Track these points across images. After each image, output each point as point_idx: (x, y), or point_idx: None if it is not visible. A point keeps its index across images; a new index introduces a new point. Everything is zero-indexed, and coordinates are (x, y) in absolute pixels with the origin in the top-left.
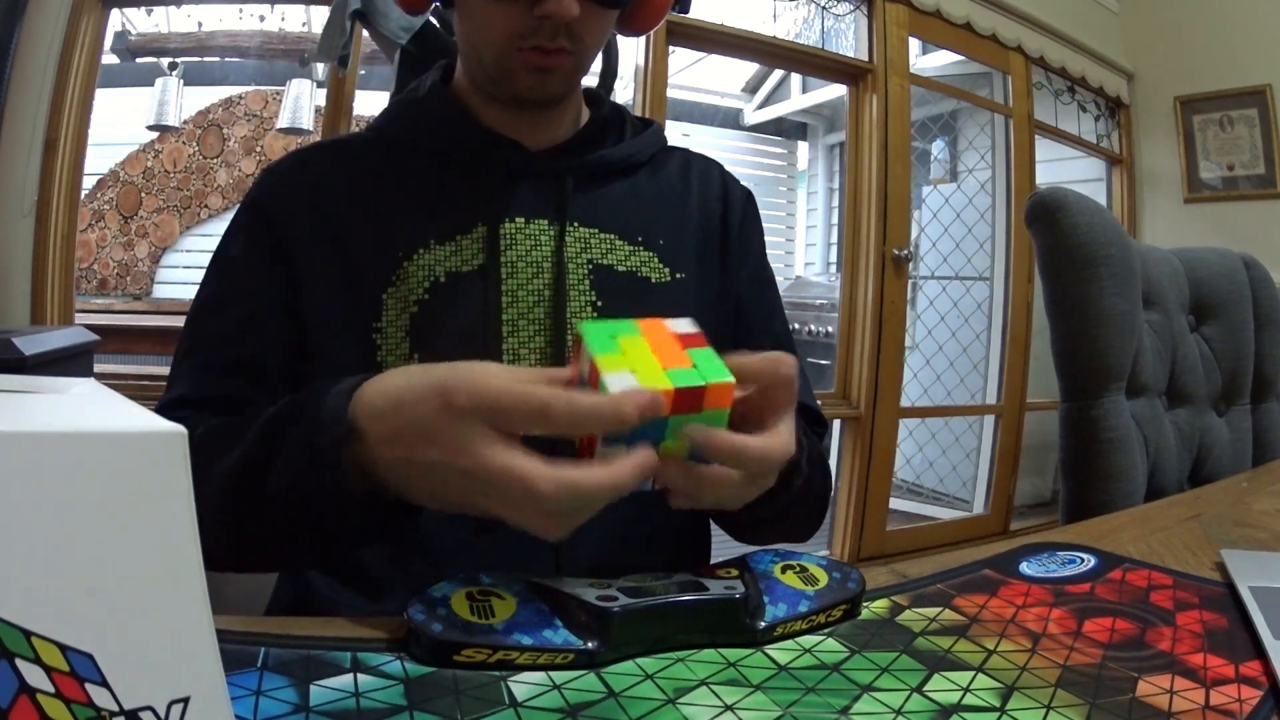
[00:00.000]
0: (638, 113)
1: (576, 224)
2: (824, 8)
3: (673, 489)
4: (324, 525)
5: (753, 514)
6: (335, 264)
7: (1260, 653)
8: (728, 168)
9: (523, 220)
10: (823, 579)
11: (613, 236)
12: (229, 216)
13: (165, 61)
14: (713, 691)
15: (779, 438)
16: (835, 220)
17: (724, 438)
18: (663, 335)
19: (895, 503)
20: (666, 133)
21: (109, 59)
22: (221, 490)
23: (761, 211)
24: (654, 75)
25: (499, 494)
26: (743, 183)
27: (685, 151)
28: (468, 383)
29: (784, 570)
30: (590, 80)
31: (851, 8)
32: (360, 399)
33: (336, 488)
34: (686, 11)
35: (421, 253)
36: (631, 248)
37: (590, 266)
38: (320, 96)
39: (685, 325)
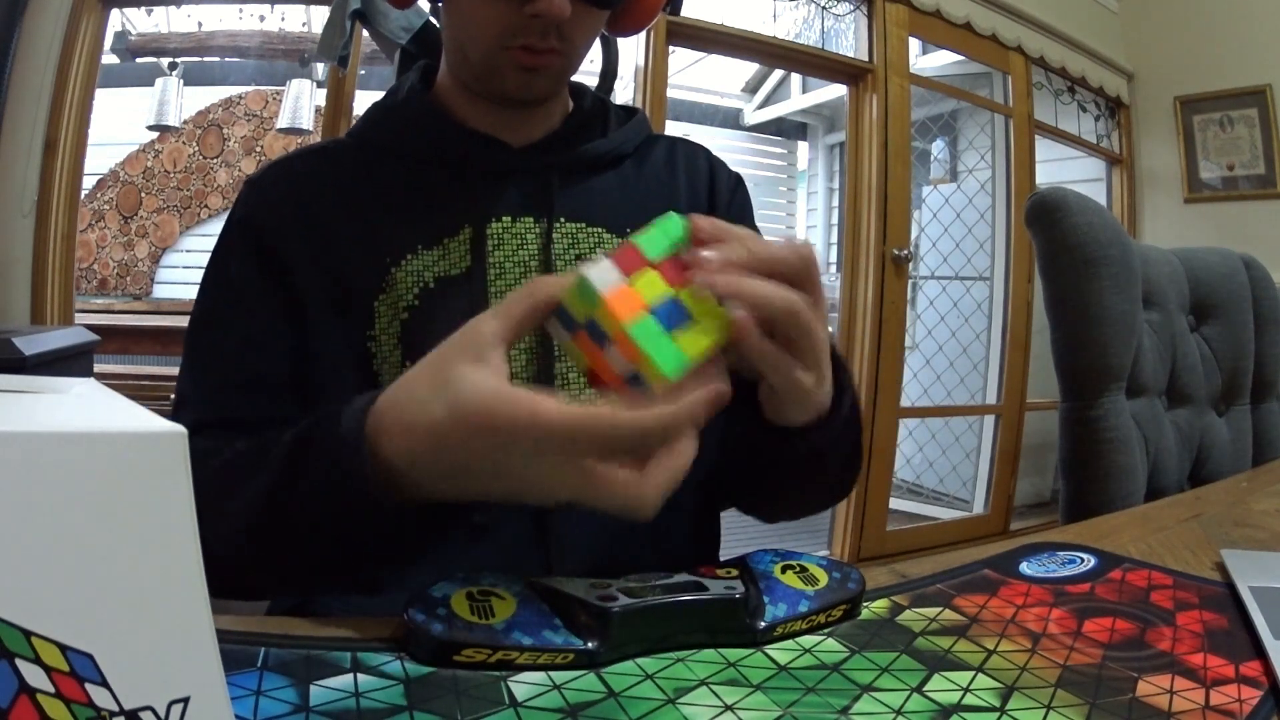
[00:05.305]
0: None
1: (563, 220)
2: (824, 8)
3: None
4: (356, 542)
5: (802, 445)
6: (326, 274)
7: (1260, 653)
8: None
9: (509, 219)
10: (823, 579)
11: (600, 230)
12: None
13: (165, 61)
14: (713, 691)
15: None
16: (835, 220)
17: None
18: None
19: (895, 503)
20: (666, 132)
21: (109, 59)
22: (251, 515)
23: (762, 211)
24: (654, 75)
25: (555, 464)
26: (733, 170)
27: (670, 139)
28: (512, 415)
29: (784, 570)
30: (590, 80)
31: (851, 8)
32: (376, 424)
33: (364, 505)
34: (678, 13)
35: (409, 259)
36: (620, 240)
37: (578, 262)
38: (320, 96)
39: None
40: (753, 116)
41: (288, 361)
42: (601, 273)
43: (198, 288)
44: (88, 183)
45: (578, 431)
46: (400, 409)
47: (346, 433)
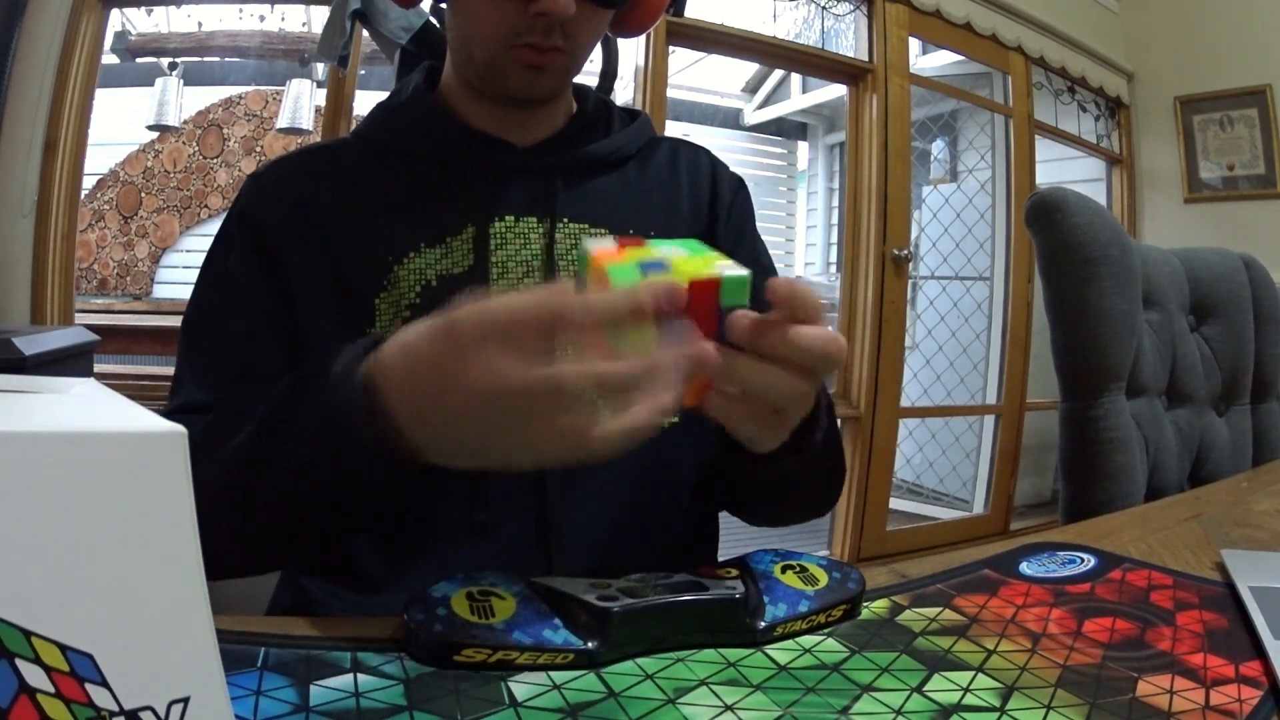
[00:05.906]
0: None
1: (566, 220)
2: (824, 8)
3: (718, 378)
4: (343, 487)
5: (774, 471)
6: (326, 271)
7: (1260, 653)
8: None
9: (512, 219)
10: (823, 579)
11: (603, 231)
12: None
13: (165, 61)
14: (713, 691)
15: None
16: (835, 220)
17: (773, 321)
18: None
19: (895, 503)
20: (666, 132)
21: (109, 59)
22: (232, 467)
23: (762, 211)
24: (654, 75)
25: (528, 411)
26: (735, 172)
27: (673, 140)
28: (471, 312)
29: (784, 570)
30: (590, 80)
31: (851, 8)
32: (376, 357)
33: (357, 438)
34: (681, 14)
35: (412, 256)
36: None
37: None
38: (320, 96)
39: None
40: (753, 116)
41: (283, 356)
42: (600, 241)
43: (196, 277)
44: (88, 183)
45: (522, 314)
46: (395, 336)
47: (350, 358)
